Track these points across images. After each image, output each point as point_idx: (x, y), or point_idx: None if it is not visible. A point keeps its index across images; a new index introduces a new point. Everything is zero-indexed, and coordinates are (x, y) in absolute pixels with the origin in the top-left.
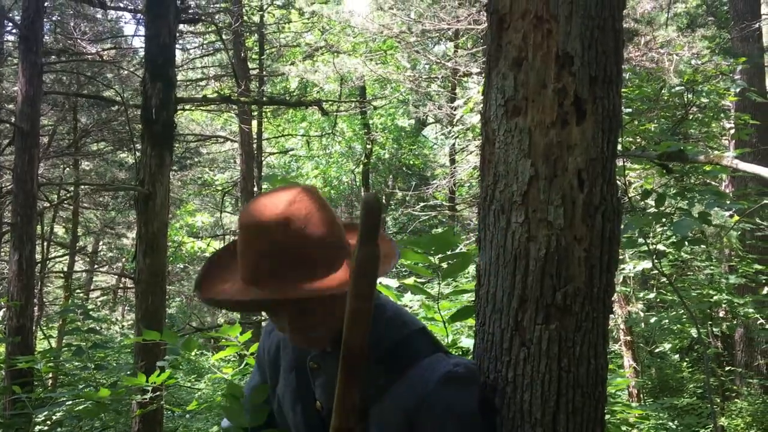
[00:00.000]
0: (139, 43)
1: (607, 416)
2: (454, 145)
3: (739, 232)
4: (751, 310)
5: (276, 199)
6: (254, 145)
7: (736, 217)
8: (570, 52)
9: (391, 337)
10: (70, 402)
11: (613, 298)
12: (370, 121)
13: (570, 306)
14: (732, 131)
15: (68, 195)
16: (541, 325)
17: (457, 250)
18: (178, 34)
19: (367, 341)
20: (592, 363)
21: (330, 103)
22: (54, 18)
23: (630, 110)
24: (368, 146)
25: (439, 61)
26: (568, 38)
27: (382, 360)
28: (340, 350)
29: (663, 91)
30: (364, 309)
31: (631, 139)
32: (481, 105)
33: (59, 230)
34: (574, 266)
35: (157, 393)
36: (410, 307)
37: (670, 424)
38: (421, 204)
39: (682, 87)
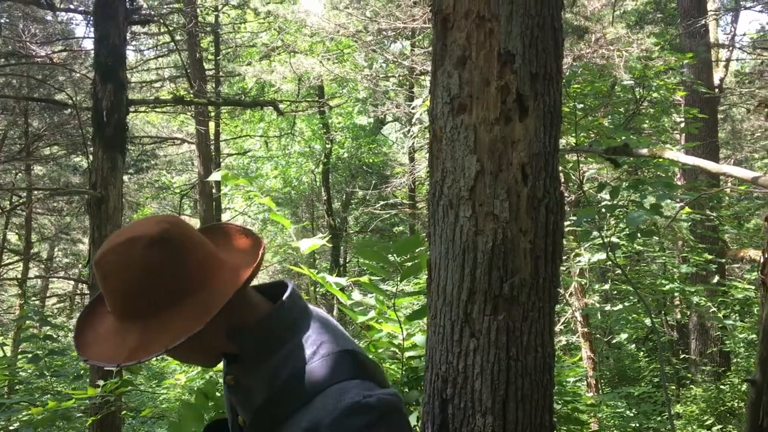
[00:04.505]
0: (90, 45)
1: (559, 406)
2: (413, 143)
3: (690, 223)
4: (702, 299)
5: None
6: (212, 147)
7: (687, 209)
8: (512, 51)
9: (298, 362)
10: (26, 413)
11: (569, 290)
12: (329, 121)
13: (517, 297)
14: (682, 125)
15: (20, 201)
16: (489, 316)
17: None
18: (131, 36)
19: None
20: (539, 351)
21: (287, 103)
22: (2, 20)
23: (583, 106)
24: (327, 146)
25: (396, 59)
26: (510, 37)
27: (283, 388)
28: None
29: (616, 87)
30: None
31: (584, 135)
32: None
33: (12, 237)
34: (520, 258)
35: (108, 402)
36: (364, 306)
37: (627, 412)
38: (382, 202)
39: (632, 82)
